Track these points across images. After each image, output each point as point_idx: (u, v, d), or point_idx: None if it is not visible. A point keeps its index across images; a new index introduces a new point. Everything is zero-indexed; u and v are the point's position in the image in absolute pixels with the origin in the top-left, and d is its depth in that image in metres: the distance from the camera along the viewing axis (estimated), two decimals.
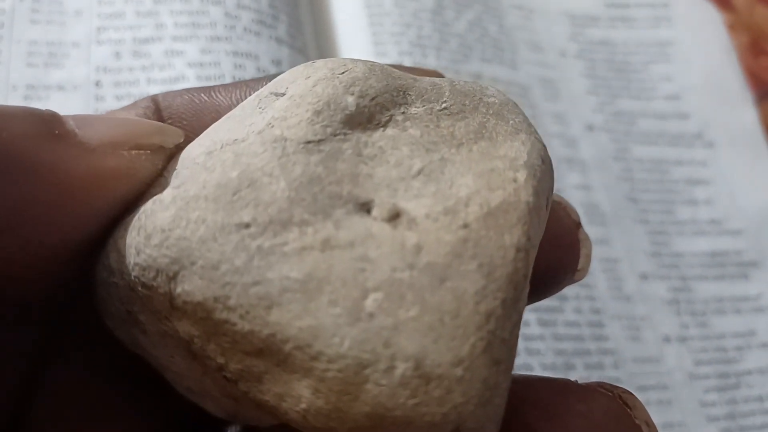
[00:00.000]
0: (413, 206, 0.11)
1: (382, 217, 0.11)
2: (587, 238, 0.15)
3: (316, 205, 0.11)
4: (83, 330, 0.14)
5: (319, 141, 0.11)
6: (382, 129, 0.12)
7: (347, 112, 0.12)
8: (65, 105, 0.24)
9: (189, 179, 0.11)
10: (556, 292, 0.15)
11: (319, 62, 0.12)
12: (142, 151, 0.12)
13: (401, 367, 0.10)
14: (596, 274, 0.27)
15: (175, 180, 0.12)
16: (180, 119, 0.14)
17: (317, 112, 0.11)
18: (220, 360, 0.11)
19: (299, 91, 0.12)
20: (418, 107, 0.12)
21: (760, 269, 0.29)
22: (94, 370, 0.14)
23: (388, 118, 0.12)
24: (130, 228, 0.11)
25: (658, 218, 0.30)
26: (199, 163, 0.11)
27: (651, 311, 0.27)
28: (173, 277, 0.10)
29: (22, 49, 0.24)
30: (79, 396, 0.13)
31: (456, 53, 0.30)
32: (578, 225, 0.14)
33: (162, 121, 0.14)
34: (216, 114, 0.14)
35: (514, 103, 0.13)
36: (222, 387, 0.11)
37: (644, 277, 0.28)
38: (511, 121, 0.12)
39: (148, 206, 0.11)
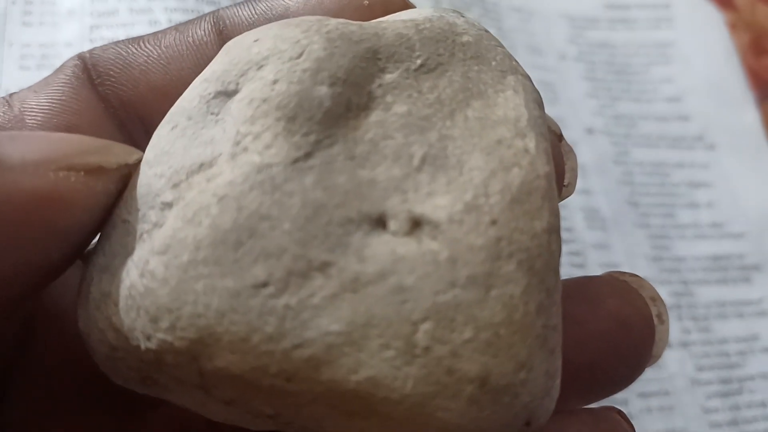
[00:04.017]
0: (430, 209, 0.10)
1: (402, 231, 0.10)
2: (571, 150, 0.14)
3: (330, 240, 0.09)
4: (54, 324, 0.13)
5: (306, 155, 0.10)
6: (364, 115, 0.10)
7: (324, 108, 0.10)
8: None
9: (172, 239, 0.10)
10: None
11: (264, 41, 0.11)
12: (73, 173, 0.10)
13: (468, 390, 0.09)
14: None
15: (142, 225, 0.10)
16: (108, 75, 0.13)
17: (291, 119, 0.10)
18: (269, 411, 0.10)
19: (258, 92, 0.10)
20: (393, 72, 0.11)
21: (763, 273, 0.29)
22: (66, 367, 0.13)
23: (366, 98, 0.10)
24: (125, 306, 0.10)
25: (658, 222, 0.29)
26: (170, 205, 0.10)
27: None
28: (198, 357, 0.09)
29: (14, 52, 0.24)
30: (53, 390, 0.13)
31: None
32: (560, 138, 0.14)
33: (91, 80, 0.13)
34: (145, 66, 0.13)
35: (488, 34, 0.12)
36: (269, 423, 0.11)
37: None
38: (492, 62, 0.11)
39: (135, 280, 0.10)
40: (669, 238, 0.29)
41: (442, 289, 0.09)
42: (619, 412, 0.13)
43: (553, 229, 0.10)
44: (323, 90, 0.10)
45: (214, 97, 0.11)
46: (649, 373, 0.26)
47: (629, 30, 0.34)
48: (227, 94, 0.10)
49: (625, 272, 0.14)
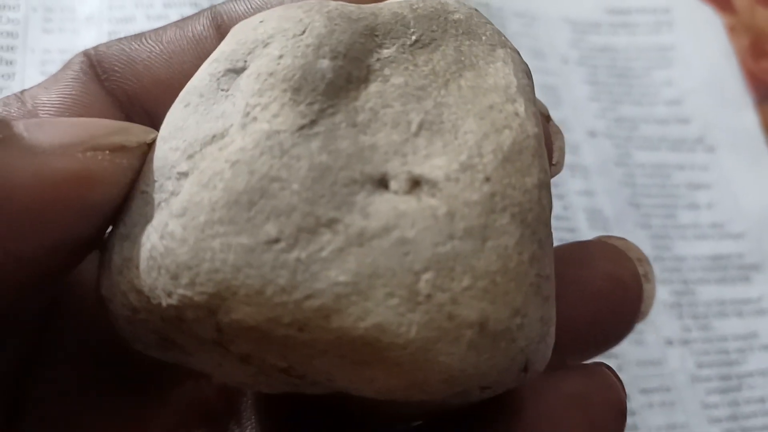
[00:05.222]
0: (428, 169, 0.10)
1: (403, 190, 0.10)
2: (559, 131, 0.15)
3: (336, 199, 0.10)
4: (79, 313, 0.14)
5: (311, 122, 0.10)
6: (364, 87, 0.11)
7: (326, 80, 0.11)
8: None
9: (189, 202, 0.10)
10: None
11: (268, 22, 0.11)
12: (99, 152, 0.11)
13: (468, 334, 0.10)
14: None
15: (160, 195, 0.11)
16: (113, 71, 0.14)
17: (297, 90, 0.11)
18: (282, 364, 0.11)
19: (265, 67, 0.11)
20: (390, 48, 0.11)
21: (762, 272, 0.29)
22: (90, 356, 0.14)
23: (365, 71, 0.11)
24: (146, 267, 0.11)
25: (660, 222, 0.30)
26: (185, 174, 0.11)
27: (653, 315, 0.27)
28: (216, 311, 0.10)
29: (36, 58, 0.25)
30: (76, 378, 0.14)
31: None
32: (548, 118, 0.14)
33: (97, 76, 0.14)
34: (148, 61, 0.14)
35: (477, 12, 0.12)
36: (283, 379, 0.11)
37: None
38: (483, 37, 0.12)
39: (155, 242, 0.10)
40: (670, 239, 0.29)
41: (442, 241, 0.10)
42: (608, 367, 0.14)
43: (543, 185, 0.11)
44: (325, 63, 0.11)
45: (224, 75, 0.11)
46: (650, 369, 0.26)
47: (630, 34, 0.35)
48: (236, 71, 0.11)
49: (612, 236, 0.15)
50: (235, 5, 0.14)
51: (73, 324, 0.14)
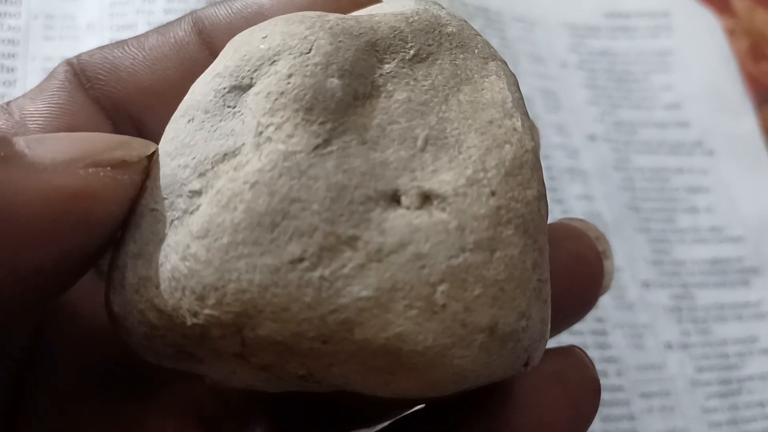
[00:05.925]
0: (437, 185, 0.11)
1: (414, 205, 0.11)
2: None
3: (354, 217, 0.10)
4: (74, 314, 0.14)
5: (325, 142, 0.11)
6: (369, 103, 0.11)
7: (336, 98, 0.11)
8: None
9: (210, 223, 0.10)
10: None
11: (272, 37, 0.11)
12: (100, 168, 0.11)
13: (479, 338, 0.11)
14: None
15: (172, 212, 0.11)
16: (97, 79, 0.14)
17: (309, 110, 0.11)
18: (301, 372, 0.11)
19: (275, 86, 0.11)
20: (390, 63, 0.12)
21: (761, 276, 0.30)
22: (87, 357, 0.14)
23: (369, 87, 0.11)
24: (168, 287, 0.11)
25: (659, 226, 0.30)
26: (198, 192, 0.11)
27: (653, 319, 0.28)
28: (242, 328, 0.10)
29: (37, 66, 0.25)
30: (75, 378, 0.14)
31: None
32: None
33: (82, 85, 0.14)
34: (132, 68, 0.14)
35: (468, 24, 0.13)
36: (297, 383, 0.11)
37: (646, 285, 0.28)
38: (475, 50, 0.12)
39: (176, 264, 0.11)
40: (669, 242, 0.30)
41: (454, 254, 0.11)
42: (580, 349, 0.15)
43: (542, 196, 0.11)
44: (335, 82, 0.11)
45: (230, 92, 0.11)
46: (650, 374, 0.26)
47: (629, 38, 0.35)
48: (242, 88, 0.11)
49: (573, 218, 0.16)
50: (216, 10, 0.15)
51: (66, 331, 0.14)
